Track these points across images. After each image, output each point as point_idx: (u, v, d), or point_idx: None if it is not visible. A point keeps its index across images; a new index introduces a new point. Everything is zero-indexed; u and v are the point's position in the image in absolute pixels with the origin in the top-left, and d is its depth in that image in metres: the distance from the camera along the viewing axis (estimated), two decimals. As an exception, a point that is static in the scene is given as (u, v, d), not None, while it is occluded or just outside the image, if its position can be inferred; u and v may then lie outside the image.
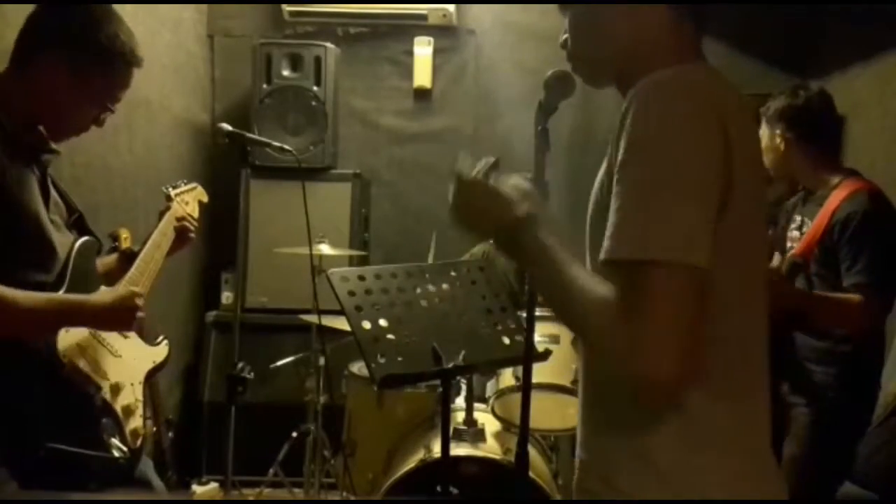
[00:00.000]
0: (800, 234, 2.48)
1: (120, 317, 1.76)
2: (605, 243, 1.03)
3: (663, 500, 1.09)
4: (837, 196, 2.36)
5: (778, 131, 2.47)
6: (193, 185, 2.34)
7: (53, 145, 1.80)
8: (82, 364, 1.72)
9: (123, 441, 1.77)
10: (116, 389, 1.80)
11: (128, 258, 2.01)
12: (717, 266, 1.02)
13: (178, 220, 2.14)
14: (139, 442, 1.83)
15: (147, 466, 1.92)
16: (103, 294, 1.79)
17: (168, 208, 2.15)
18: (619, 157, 1.04)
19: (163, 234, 2.07)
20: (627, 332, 0.98)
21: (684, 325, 0.98)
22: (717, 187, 1.02)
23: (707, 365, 1.05)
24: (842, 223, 2.31)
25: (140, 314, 1.80)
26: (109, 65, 1.76)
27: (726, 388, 1.09)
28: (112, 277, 1.95)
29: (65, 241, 1.79)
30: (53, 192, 1.81)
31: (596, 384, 1.20)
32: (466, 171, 1.23)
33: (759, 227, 1.15)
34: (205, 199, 2.37)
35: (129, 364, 1.88)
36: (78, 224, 1.90)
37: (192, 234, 2.19)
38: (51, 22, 1.73)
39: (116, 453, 1.73)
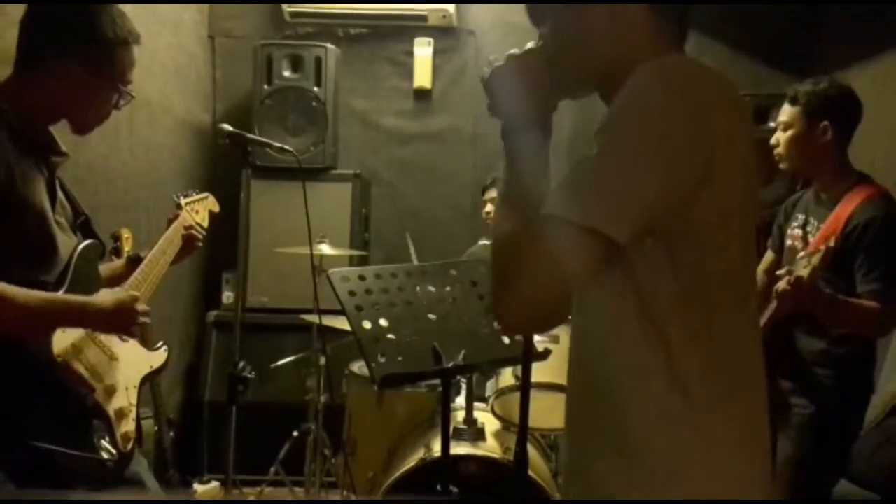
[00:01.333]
0: (802, 232, 2.44)
1: (118, 320, 1.78)
2: (553, 193, 1.08)
3: (656, 501, 1.09)
4: (852, 199, 2.30)
5: (825, 122, 2.33)
6: (205, 194, 2.36)
7: (63, 147, 1.82)
8: (77, 365, 1.72)
9: (113, 444, 1.77)
10: (110, 392, 1.81)
11: (134, 263, 2.02)
12: (702, 251, 1.07)
13: (186, 228, 2.17)
14: (129, 446, 1.83)
15: (140, 466, 1.92)
16: (104, 296, 1.79)
17: (177, 216, 2.17)
18: (599, 124, 1.09)
19: (169, 241, 2.10)
20: (536, 265, 1.05)
21: (569, 287, 1.08)
22: (678, 175, 1.04)
23: (696, 360, 1.07)
24: (861, 227, 2.25)
25: (145, 319, 1.81)
26: (117, 50, 1.78)
27: (717, 386, 1.09)
28: (117, 282, 1.95)
29: (68, 243, 1.79)
30: (60, 194, 1.82)
31: (589, 382, 1.20)
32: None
33: (746, 217, 1.15)
34: (216, 208, 2.40)
35: (125, 367, 1.88)
36: (84, 227, 1.91)
37: (200, 244, 2.22)
38: (50, 25, 1.74)
39: (105, 455, 1.73)
